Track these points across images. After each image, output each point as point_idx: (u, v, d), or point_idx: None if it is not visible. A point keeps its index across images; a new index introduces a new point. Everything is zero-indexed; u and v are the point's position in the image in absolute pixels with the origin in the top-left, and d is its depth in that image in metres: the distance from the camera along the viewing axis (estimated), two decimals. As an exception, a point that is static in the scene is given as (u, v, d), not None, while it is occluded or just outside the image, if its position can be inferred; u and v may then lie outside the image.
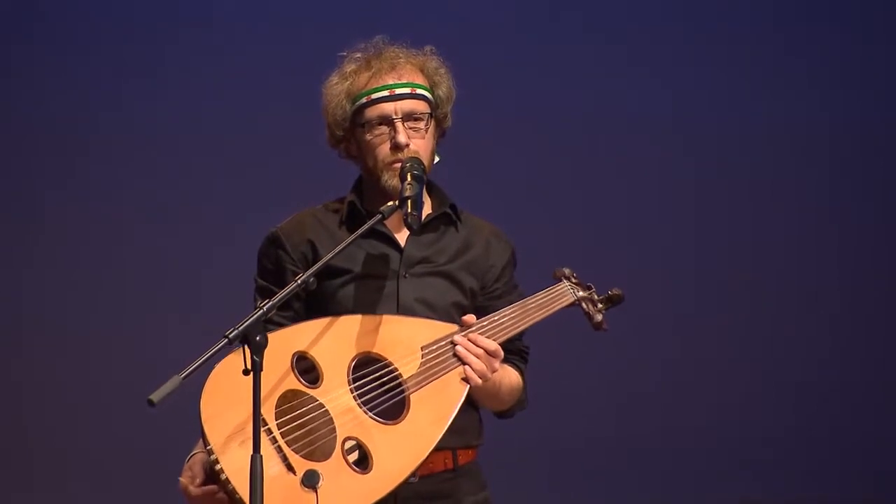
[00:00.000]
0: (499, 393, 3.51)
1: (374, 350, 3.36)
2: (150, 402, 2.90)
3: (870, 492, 5.92)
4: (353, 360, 3.34)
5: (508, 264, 3.64)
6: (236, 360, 3.06)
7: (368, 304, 3.46)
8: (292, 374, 3.28)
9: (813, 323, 5.95)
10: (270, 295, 3.27)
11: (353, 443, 3.27)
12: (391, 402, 3.32)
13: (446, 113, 3.59)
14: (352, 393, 3.31)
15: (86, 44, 5.72)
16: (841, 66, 6.03)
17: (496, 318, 3.48)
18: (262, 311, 3.06)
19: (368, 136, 3.52)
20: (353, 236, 3.35)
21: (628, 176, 5.93)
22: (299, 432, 3.24)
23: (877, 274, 6.00)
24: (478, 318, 3.46)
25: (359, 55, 3.56)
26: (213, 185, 5.72)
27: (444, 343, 3.40)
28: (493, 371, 3.41)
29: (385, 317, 3.41)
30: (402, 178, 3.43)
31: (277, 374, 3.25)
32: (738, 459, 5.88)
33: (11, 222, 5.68)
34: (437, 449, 3.34)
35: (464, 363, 3.39)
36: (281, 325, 3.39)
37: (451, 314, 3.50)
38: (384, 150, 3.51)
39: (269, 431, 3.21)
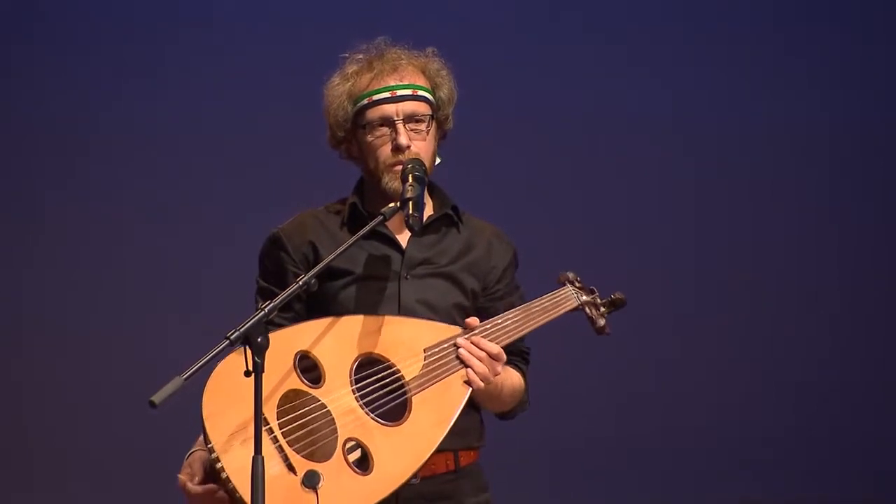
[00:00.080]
0: (500, 395, 3.51)
1: (377, 351, 3.36)
2: (152, 404, 2.90)
3: (870, 492, 5.93)
4: (355, 360, 3.34)
5: (510, 265, 3.64)
6: (239, 359, 3.06)
7: (370, 306, 3.46)
8: (294, 374, 3.28)
9: (813, 323, 5.95)
10: (272, 296, 3.28)
11: (355, 444, 3.27)
12: (393, 403, 3.32)
13: (448, 115, 3.59)
14: (354, 394, 3.31)
15: (86, 44, 5.71)
16: (841, 66, 6.03)
17: (499, 321, 3.48)
18: (263, 312, 3.06)
19: (369, 138, 3.52)
20: (354, 237, 3.35)
21: (628, 176, 5.93)
22: (301, 432, 3.24)
23: (877, 274, 6.00)
24: (479, 319, 3.47)
25: (361, 56, 3.55)
26: (213, 185, 5.72)
27: (446, 345, 3.40)
28: (496, 374, 3.41)
29: (388, 318, 3.41)
30: (404, 180, 3.43)
31: (280, 373, 3.26)
32: (738, 459, 5.88)
33: (11, 222, 5.68)
34: (439, 450, 3.35)
35: (466, 366, 3.39)
36: (281, 327, 3.39)
37: (453, 315, 3.50)
38: (385, 151, 3.51)
39: (271, 431, 3.21)
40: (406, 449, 3.28)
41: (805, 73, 6.02)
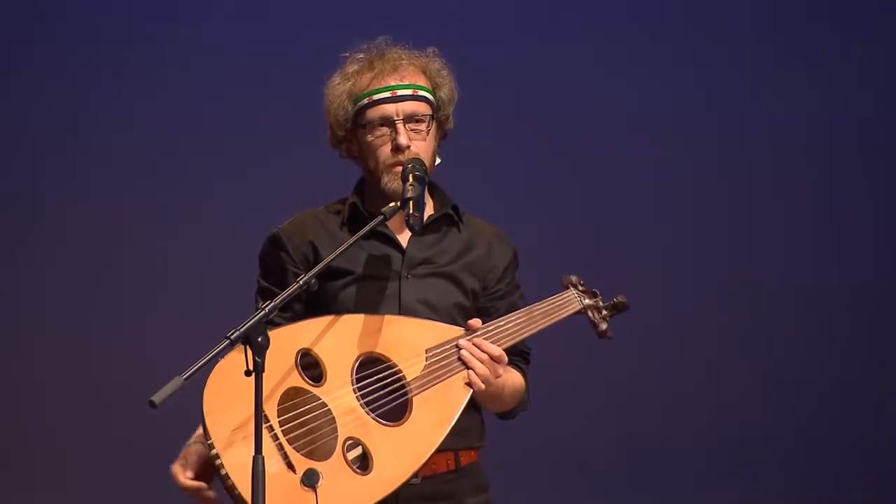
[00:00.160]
0: (501, 396, 3.51)
1: (379, 350, 3.36)
2: (152, 404, 2.90)
3: (870, 492, 5.92)
4: (357, 359, 3.35)
5: (510, 265, 3.64)
6: (241, 355, 3.06)
7: (370, 305, 3.46)
8: (296, 372, 3.29)
9: (813, 323, 5.95)
10: (272, 296, 3.29)
11: (355, 443, 3.27)
12: (394, 403, 3.33)
13: (448, 115, 3.59)
14: (355, 393, 3.31)
15: (86, 44, 5.71)
16: (841, 66, 6.03)
17: (502, 323, 3.48)
18: (263, 312, 3.07)
19: (369, 138, 3.52)
20: (354, 237, 3.35)
21: (628, 176, 5.93)
22: (301, 430, 3.24)
23: (877, 274, 6.00)
24: (480, 319, 3.47)
25: (361, 56, 3.55)
26: (213, 185, 5.72)
27: (448, 346, 3.40)
28: (497, 376, 3.41)
29: (390, 317, 3.41)
30: (404, 179, 3.43)
31: (281, 370, 3.26)
32: (738, 459, 5.88)
33: (11, 222, 5.68)
34: (440, 450, 3.35)
35: (468, 367, 3.39)
36: (281, 326, 3.39)
37: (453, 315, 3.51)
38: (385, 151, 3.51)
39: (271, 428, 3.21)
40: (406, 449, 3.29)
41: (805, 73, 6.02)
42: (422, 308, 3.49)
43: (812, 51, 6.02)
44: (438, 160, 3.59)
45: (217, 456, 3.16)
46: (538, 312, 3.55)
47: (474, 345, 3.40)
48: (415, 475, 3.32)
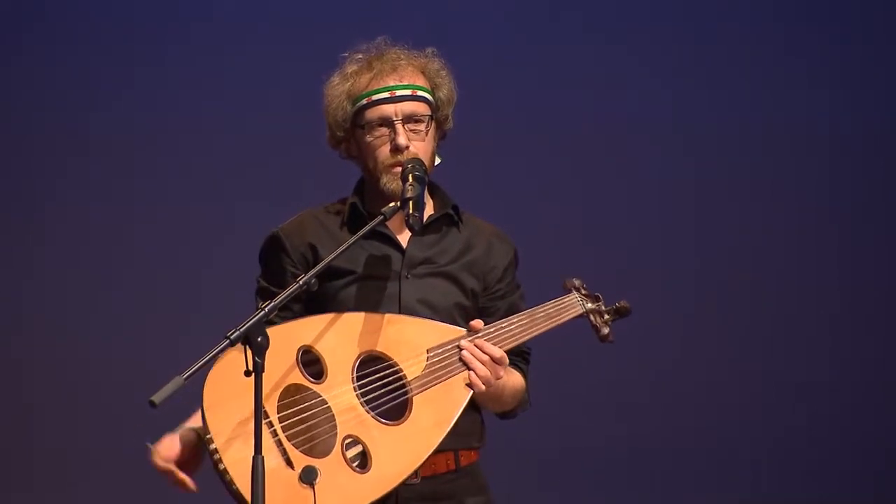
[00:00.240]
0: (502, 397, 3.51)
1: (380, 349, 3.37)
2: (152, 404, 2.90)
3: (870, 492, 5.92)
4: (358, 357, 3.35)
5: (510, 265, 3.64)
6: (241, 353, 3.06)
7: (370, 305, 3.46)
8: (297, 369, 3.29)
9: (813, 323, 5.95)
10: (271, 296, 3.29)
11: (354, 441, 3.27)
12: (394, 402, 3.33)
13: (447, 115, 3.59)
14: (355, 391, 3.31)
15: (86, 44, 5.71)
16: (841, 66, 6.03)
17: (504, 325, 3.48)
18: (263, 312, 3.07)
19: (369, 138, 3.52)
20: (354, 237, 3.35)
21: (628, 176, 5.93)
22: (300, 427, 3.24)
23: (877, 274, 6.00)
24: (479, 318, 3.47)
25: (360, 56, 3.56)
26: (213, 185, 5.72)
27: (449, 347, 3.40)
28: (498, 378, 3.42)
29: (392, 316, 3.42)
30: (404, 179, 3.43)
31: (282, 367, 3.26)
32: (738, 459, 5.88)
33: (11, 222, 5.67)
34: (439, 450, 3.35)
35: (469, 368, 3.39)
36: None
37: (453, 315, 3.51)
38: (384, 151, 3.51)
39: (271, 424, 3.22)
40: (405, 449, 3.29)
41: (805, 73, 6.02)
42: (422, 308, 3.49)
43: (812, 51, 6.02)
44: (438, 160, 3.59)
45: (216, 451, 3.16)
46: (540, 315, 3.55)
47: (476, 346, 3.41)
48: (414, 475, 3.33)
